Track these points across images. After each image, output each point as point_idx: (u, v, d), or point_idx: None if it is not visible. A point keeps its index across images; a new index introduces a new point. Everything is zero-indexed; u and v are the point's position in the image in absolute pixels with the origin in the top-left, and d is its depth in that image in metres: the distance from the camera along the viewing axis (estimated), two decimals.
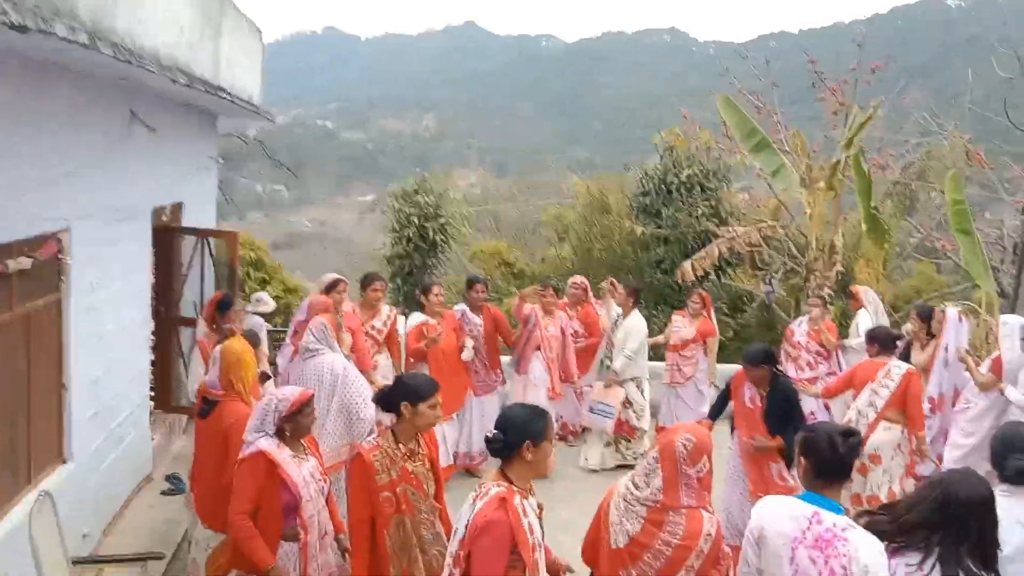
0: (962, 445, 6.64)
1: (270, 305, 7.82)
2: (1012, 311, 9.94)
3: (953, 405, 7.01)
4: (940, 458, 6.90)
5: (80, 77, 5.06)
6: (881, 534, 2.86)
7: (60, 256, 5.10)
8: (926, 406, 6.99)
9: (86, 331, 5.44)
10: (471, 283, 7.50)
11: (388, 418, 3.98)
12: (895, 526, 2.91)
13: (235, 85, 7.89)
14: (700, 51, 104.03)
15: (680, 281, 11.57)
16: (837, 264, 11.17)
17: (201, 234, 7.88)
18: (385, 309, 6.93)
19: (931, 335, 7.32)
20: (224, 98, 7.16)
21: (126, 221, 6.12)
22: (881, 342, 6.33)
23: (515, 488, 3.03)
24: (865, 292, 8.51)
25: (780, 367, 5.76)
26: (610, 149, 59.50)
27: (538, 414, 3.16)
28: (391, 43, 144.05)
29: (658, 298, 12.89)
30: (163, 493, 6.66)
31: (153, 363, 7.23)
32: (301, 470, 3.79)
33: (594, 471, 7.61)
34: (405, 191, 12.69)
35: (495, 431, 3.09)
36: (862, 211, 10.69)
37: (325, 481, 3.99)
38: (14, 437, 4.70)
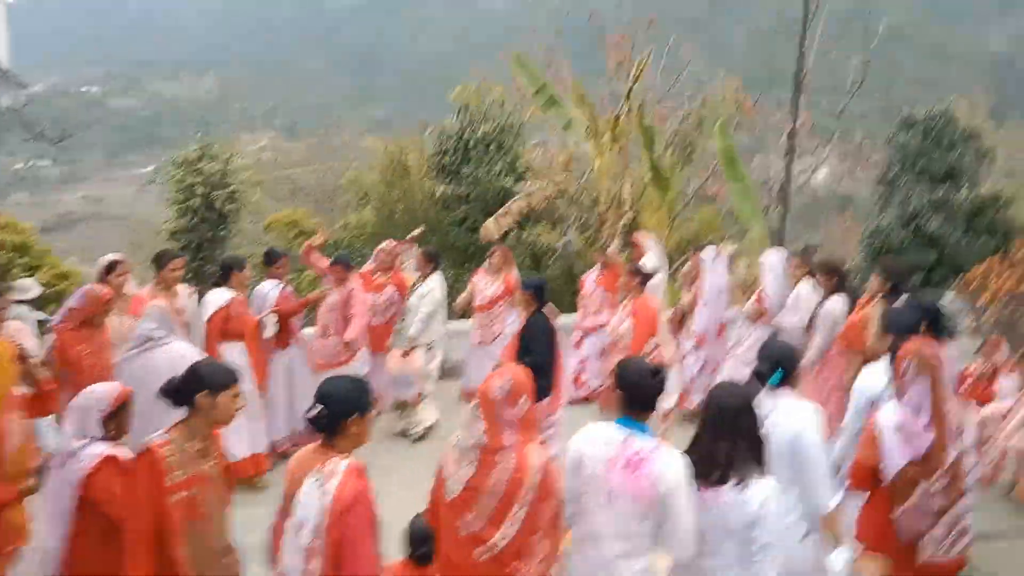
0: (744, 374, 6.97)
1: (33, 291, 7.06)
2: (780, 244, 10.90)
3: (719, 338, 7.61)
4: (692, 382, 7.61)
5: None
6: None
7: None
8: (692, 342, 7.67)
9: None
10: (267, 259, 7.08)
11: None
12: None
13: None
14: (489, 6, 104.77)
15: (483, 239, 11.69)
16: (626, 215, 11.72)
17: None
18: (182, 289, 6.42)
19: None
20: None
21: None
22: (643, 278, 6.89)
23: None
24: (645, 238, 8.77)
25: (545, 303, 6.07)
26: (406, 107, 58.91)
27: (361, 385, 3.10)
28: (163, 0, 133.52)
29: (465, 257, 12.96)
30: None
31: None
32: None
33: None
34: (187, 159, 11.78)
35: (319, 405, 2.97)
36: (646, 162, 11.25)
37: None
38: None
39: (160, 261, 6.28)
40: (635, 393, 3.21)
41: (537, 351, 5.90)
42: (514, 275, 8.24)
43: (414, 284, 7.65)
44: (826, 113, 21.61)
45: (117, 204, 44.78)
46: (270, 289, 6.83)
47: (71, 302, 5.43)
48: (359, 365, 7.21)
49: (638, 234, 9.01)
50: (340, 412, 2.98)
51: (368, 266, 7.85)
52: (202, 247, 11.72)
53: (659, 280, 8.28)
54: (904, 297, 5.44)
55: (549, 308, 6.10)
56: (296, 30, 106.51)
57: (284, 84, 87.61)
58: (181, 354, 4.77)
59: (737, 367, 7.18)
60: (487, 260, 8.30)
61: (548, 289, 6.23)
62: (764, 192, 17.71)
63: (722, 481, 3.11)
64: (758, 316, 7.01)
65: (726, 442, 3.16)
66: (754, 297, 7.17)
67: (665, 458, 3.08)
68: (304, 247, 7.43)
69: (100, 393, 3.57)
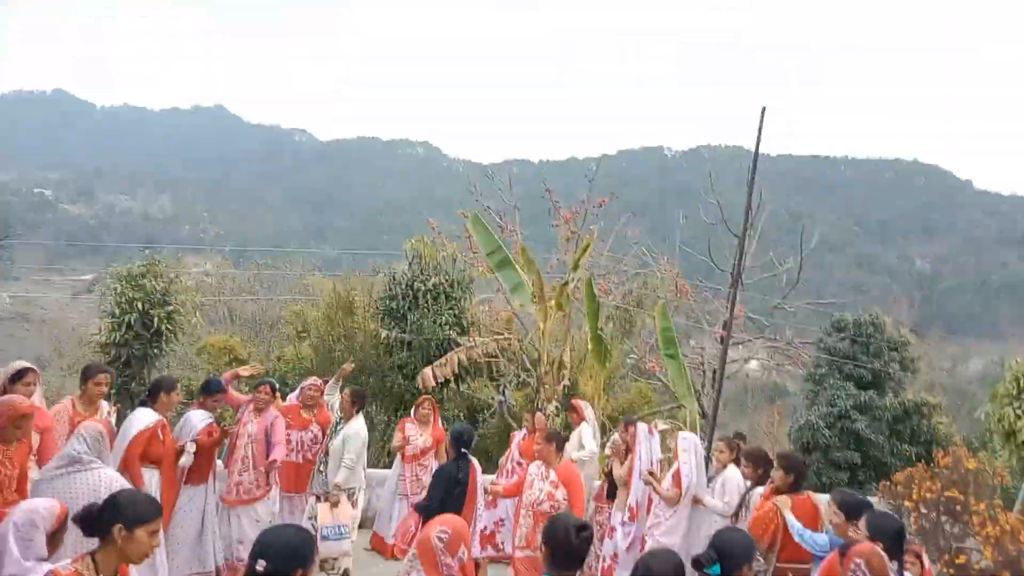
0: None
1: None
2: (712, 429, 11.08)
3: (647, 514, 7.49)
4: (616, 558, 7.39)
5: None
6: None
7: None
8: (626, 514, 7.52)
9: None
10: (207, 388, 6.80)
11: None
12: None
13: None
14: (450, 167, 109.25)
15: (421, 387, 11.65)
16: (565, 379, 11.87)
17: None
18: (105, 405, 6.14)
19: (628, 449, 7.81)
20: None
21: None
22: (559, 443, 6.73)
23: None
24: (585, 406, 8.88)
25: (464, 452, 6.26)
26: (357, 249, 59.64)
27: (305, 536, 2.97)
28: (129, 114, 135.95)
29: (398, 403, 12.85)
30: None
31: None
32: None
33: None
34: (131, 273, 11.65)
35: (260, 560, 2.82)
36: (589, 331, 11.54)
37: None
38: None
39: (87, 373, 6.04)
40: (561, 551, 3.24)
41: (432, 495, 6.06)
42: (440, 426, 8.24)
43: (336, 423, 7.53)
44: (759, 307, 22.62)
45: (48, 308, 43.47)
46: (200, 420, 6.53)
47: None
48: (270, 503, 6.94)
49: (578, 400, 9.12)
50: (284, 567, 2.84)
51: (292, 400, 7.71)
52: (130, 363, 11.38)
53: (593, 450, 8.35)
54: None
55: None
56: (260, 163, 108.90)
57: (238, 212, 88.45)
58: (107, 483, 4.45)
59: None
60: (414, 410, 8.27)
61: (470, 439, 6.33)
62: (697, 374, 18.21)
63: None
64: (676, 499, 6.92)
65: None
66: (669, 477, 7.13)
67: None
68: (229, 373, 7.28)
69: (44, 511, 3.35)
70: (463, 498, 6.18)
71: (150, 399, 6.24)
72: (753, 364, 26.36)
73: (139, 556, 3.17)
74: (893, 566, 4.00)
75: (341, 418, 7.57)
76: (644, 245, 20.29)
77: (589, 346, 11.94)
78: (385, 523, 7.96)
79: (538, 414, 8.66)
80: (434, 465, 7.93)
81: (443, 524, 3.27)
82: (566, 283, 11.44)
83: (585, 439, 8.41)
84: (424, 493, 7.71)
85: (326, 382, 8.01)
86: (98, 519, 3.13)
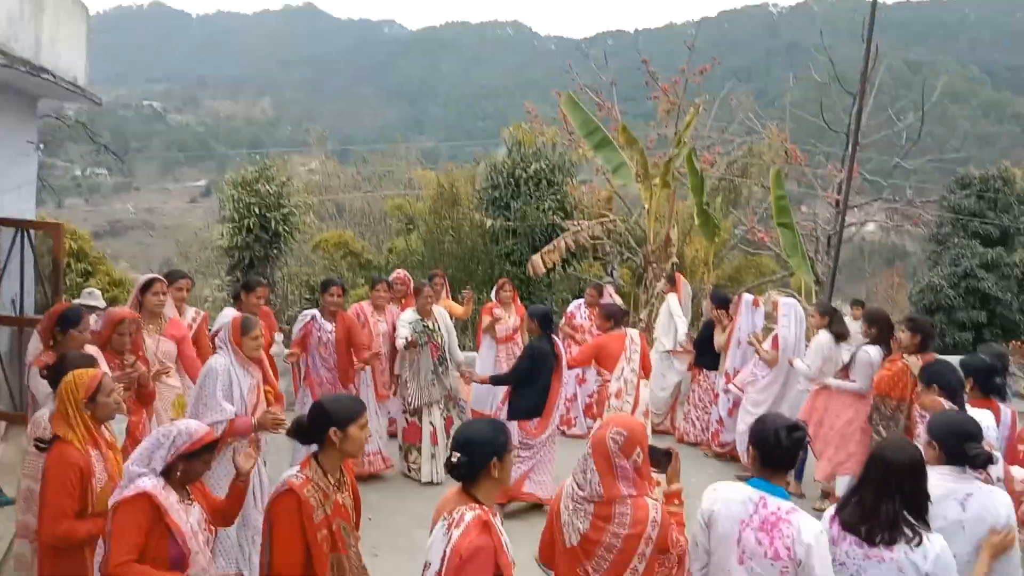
0: (752, 412, 7.42)
1: (101, 301, 7.27)
2: (829, 297, 10.89)
3: None
4: (722, 423, 8.07)
5: None
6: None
7: None
8: (721, 380, 8.08)
9: None
10: (326, 285, 6.87)
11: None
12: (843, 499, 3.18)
13: (59, 65, 7.28)
14: (542, 45, 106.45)
15: (531, 273, 11.84)
16: (672, 256, 11.79)
17: (21, 225, 7.24)
18: (190, 311, 6.24)
19: (731, 318, 8.16)
20: (48, 80, 6.60)
21: None
22: (617, 317, 6.94)
23: (487, 508, 2.93)
24: (683, 283, 9.11)
25: (553, 333, 6.49)
26: (454, 138, 59.72)
27: (499, 428, 3.04)
28: (224, 21, 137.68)
29: None
30: None
31: None
32: (188, 518, 3.29)
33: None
34: (244, 178, 12.12)
35: (456, 453, 2.92)
36: (695, 207, 11.34)
37: (212, 532, 3.51)
38: None
39: (248, 287, 6.35)
40: (771, 452, 3.08)
41: (515, 369, 6.40)
42: (520, 305, 8.48)
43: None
44: (877, 167, 21.54)
45: (168, 215, 45.88)
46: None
47: (96, 325, 5.23)
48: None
49: (680, 275, 9.22)
50: (480, 459, 2.91)
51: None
52: (253, 264, 12.01)
53: (683, 325, 8.72)
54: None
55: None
56: (353, 58, 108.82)
57: (336, 110, 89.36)
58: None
59: (747, 406, 7.61)
60: (496, 292, 8.44)
61: (551, 316, 6.53)
62: (810, 241, 17.68)
63: (890, 542, 3.00)
64: (775, 360, 7.41)
65: (891, 502, 3.03)
66: (770, 340, 7.58)
67: (801, 520, 2.95)
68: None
69: (187, 428, 3.34)
70: (551, 374, 6.42)
71: (235, 300, 6.55)
72: (870, 227, 25.35)
73: (357, 450, 3.37)
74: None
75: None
76: (750, 111, 19.46)
77: (695, 221, 11.77)
78: (484, 401, 8.10)
79: (590, 289, 8.84)
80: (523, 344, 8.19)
81: (619, 425, 3.21)
82: (670, 160, 11.18)
83: (673, 309, 8.75)
84: None
85: (439, 276, 8.31)
86: (311, 428, 3.29)
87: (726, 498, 3.13)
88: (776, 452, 3.07)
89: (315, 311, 6.75)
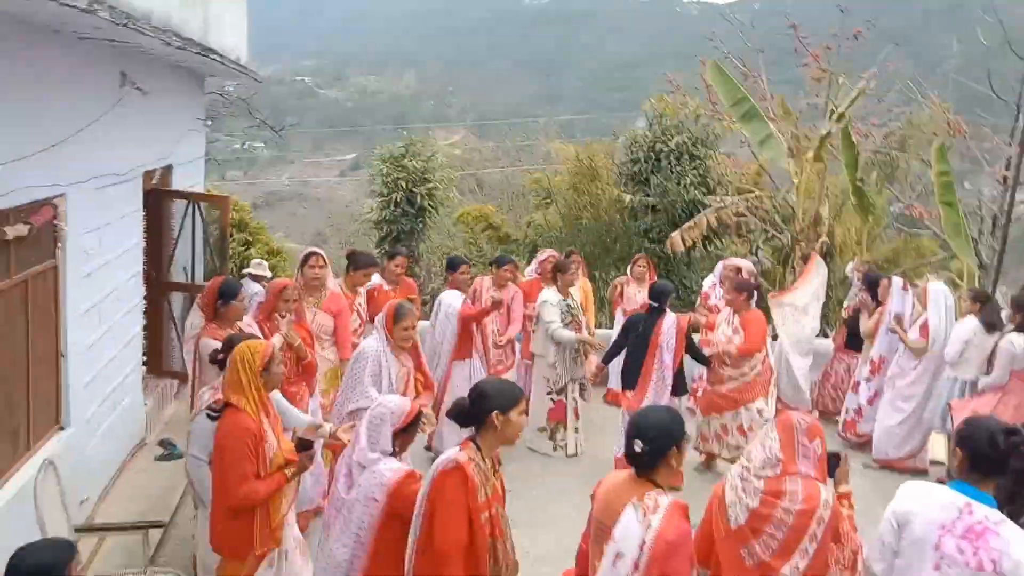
0: (902, 409, 7.23)
1: (267, 271, 7.73)
2: (994, 283, 10.14)
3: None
4: (860, 412, 7.74)
5: (72, 40, 4.95)
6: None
7: (56, 222, 5.05)
8: (866, 368, 7.74)
9: (82, 298, 5.40)
10: (454, 264, 7.11)
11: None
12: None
13: (223, 45, 7.74)
14: (684, 12, 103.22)
15: (670, 251, 11.64)
16: (823, 235, 11.29)
17: (193, 198, 7.79)
18: (363, 288, 6.64)
19: (878, 302, 7.76)
20: (216, 60, 7.03)
21: (118, 185, 6.04)
22: (750, 291, 6.93)
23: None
24: (818, 263, 8.72)
25: (668, 307, 6.64)
26: (592, 110, 59.16)
27: (674, 416, 3.06)
28: None
29: None
30: (157, 459, 6.67)
31: (144, 328, 7.19)
32: None
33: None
34: (392, 155, 12.55)
35: (638, 441, 2.93)
36: (849, 184, 10.77)
37: None
38: (13, 404, 4.69)
39: (355, 263, 6.53)
40: (983, 456, 2.90)
41: (615, 342, 6.74)
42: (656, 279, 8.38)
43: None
44: None
45: (319, 187, 48.02)
46: (455, 299, 6.77)
47: (260, 296, 5.66)
48: (513, 371, 7.45)
49: (814, 254, 8.93)
50: (661, 446, 2.91)
51: (531, 274, 8.01)
52: (400, 238, 12.44)
53: (815, 307, 8.37)
54: None
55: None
56: (487, 31, 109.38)
57: (475, 84, 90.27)
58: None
59: (895, 401, 7.30)
60: (630, 267, 8.52)
61: (661, 293, 6.64)
62: (973, 221, 16.42)
63: None
64: (923, 350, 7.11)
65: None
66: (916, 328, 7.23)
67: (1012, 533, 2.77)
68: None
69: (395, 407, 3.57)
70: (643, 349, 6.48)
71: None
72: None
73: (515, 436, 3.38)
74: None
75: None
76: (908, 79, 18.20)
77: (852, 200, 11.19)
78: (615, 378, 8.01)
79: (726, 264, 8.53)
80: None
81: (801, 416, 3.23)
82: (827, 133, 10.62)
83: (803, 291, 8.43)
84: None
85: (576, 254, 8.32)
86: (472, 411, 3.32)
87: (925, 500, 2.94)
88: (989, 456, 2.89)
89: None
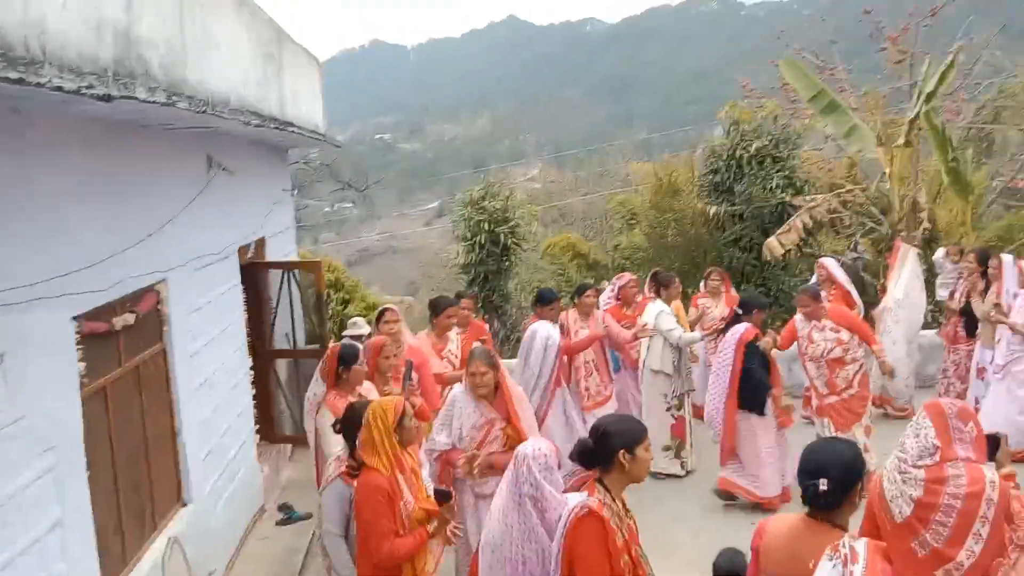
0: (1020, 395, 6.96)
1: (365, 328, 7.88)
2: None
3: None
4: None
5: (158, 131, 5.22)
6: None
7: (160, 307, 5.28)
8: (988, 352, 7.38)
9: (191, 375, 5.62)
10: (546, 298, 6.93)
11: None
12: None
13: (300, 116, 8.04)
14: (749, 14, 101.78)
15: (768, 258, 11.34)
16: (923, 221, 10.77)
17: (286, 267, 8.06)
18: (453, 334, 6.56)
19: (987, 282, 7.52)
20: (294, 132, 7.30)
21: (216, 264, 6.30)
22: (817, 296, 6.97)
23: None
24: (904, 251, 8.49)
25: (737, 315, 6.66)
26: (667, 126, 58.69)
27: (855, 450, 2.90)
28: (437, 48, 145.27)
29: (740, 278, 12.61)
30: (277, 523, 6.83)
31: (254, 397, 7.43)
32: None
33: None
34: (472, 198, 12.73)
35: (823, 479, 2.74)
36: (941, 165, 10.28)
37: None
38: (137, 485, 4.89)
39: (436, 308, 6.48)
40: None
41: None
42: (732, 294, 8.31)
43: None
44: None
45: (408, 238, 49.15)
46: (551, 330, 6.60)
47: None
48: (612, 402, 7.28)
49: (898, 240, 8.74)
50: (847, 483, 2.74)
51: (608, 299, 7.81)
52: (488, 278, 12.55)
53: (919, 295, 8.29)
54: None
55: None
56: (556, 62, 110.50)
57: (548, 116, 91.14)
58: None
59: (1013, 389, 6.99)
60: (704, 282, 8.44)
61: (746, 304, 6.67)
62: None
63: None
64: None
65: None
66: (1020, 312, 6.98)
67: None
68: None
69: (545, 448, 3.51)
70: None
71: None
72: None
73: (644, 474, 3.27)
74: None
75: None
76: (997, 48, 17.29)
77: (944, 180, 10.66)
78: (700, 394, 7.91)
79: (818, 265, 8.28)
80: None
81: (949, 401, 3.12)
82: (916, 116, 10.17)
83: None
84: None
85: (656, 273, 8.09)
86: (597, 451, 3.23)
87: None
88: None
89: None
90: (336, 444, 4.50)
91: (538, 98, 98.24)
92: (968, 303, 7.77)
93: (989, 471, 2.91)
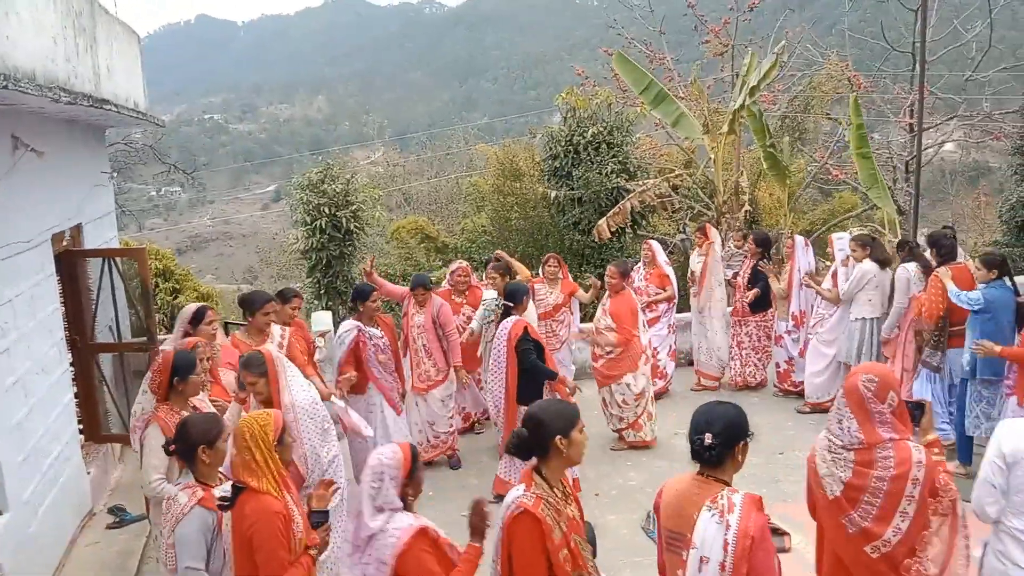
0: (826, 354, 7.94)
1: (329, 325, 7.39)
2: (913, 228, 10.48)
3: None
4: (791, 363, 8.53)
5: None
6: None
7: None
8: (790, 323, 8.46)
9: (2, 374, 5.16)
10: (365, 294, 6.69)
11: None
12: None
13: (118, 94, 7.52)
14: (585, 3, 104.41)
15: (598, 240, 11.74)
16: (745, 204, 11.51)
17: (107, 254, 7.54)
18: (276, 330, 6.02)
19: (769, 261, 8.63)
20: (111, 110, 6.81)
21: (26, 253, 5.80)
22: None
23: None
24: (712, 231, 9.21)
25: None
26: (507, 112, 59.44)
27: (740, 411, 2.98)
28: (269, 24, 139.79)
29: (580, 259, 13.02)
30: (108, 527, 6.42)
31: (76, 394, 6.92)
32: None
33: None
34: (311, 181, 12.33)
35: (709, 435, 2.85)
36: (761, 152, 11.02)
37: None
38: None
39: (250, 305, 5.92)
40: None
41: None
42: (570, 280, 8.46)
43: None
44: (948, 84, 20.46)
45: (243, 223, 47.15)
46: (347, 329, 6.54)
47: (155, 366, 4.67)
48: (448, 384, 7.34)
49: (708, 225, 9.36)
50: (730, 439, 2.86)
51: (444, 287, 7.97)
52: (331, 264, 12.22)
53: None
54: None
55: None
56: (399, 45, 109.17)
57: (389, 99, 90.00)
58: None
59: (818, 348, 8.01)
60: (541, 268, 8.46)
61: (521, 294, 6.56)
62: (886, 171, 16.94)
63: None
64: (837, 297, 7.80)
65: None
66: (828, 279, 7.98)
67: None
68: (364, 272, 7.35)
69: (389, 456, 3.25)
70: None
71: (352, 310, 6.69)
72: (949, 147, 24.13)
73: (581, 455, 3.19)
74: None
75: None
76: (807, 41, 18.69)
77: (763, 165, 11.45)
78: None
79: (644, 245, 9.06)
80: (569, 319, 8.33)
81: (868, 372, 3.22)
82: (740, 106, 10.84)
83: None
84: (561, 347, 8.19)
85: (497, 260, 8.15)
86: (532, 441, 3.13)
87: None
88: None
89: (358, 323, 6.58)
90: (160, 466, 4.19)
91: (378, 81, 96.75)
92: (752, 280, 8.66)
93: (916, 451, 3.17)
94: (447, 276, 8.09)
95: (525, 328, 6.20)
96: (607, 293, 7.58)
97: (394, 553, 3.07)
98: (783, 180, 11.33)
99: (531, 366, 6.11)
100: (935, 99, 18.60)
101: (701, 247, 8.99)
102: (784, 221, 13.26)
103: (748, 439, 2.93)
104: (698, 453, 2.89)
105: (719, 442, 2.84)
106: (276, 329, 6.01)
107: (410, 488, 3.23)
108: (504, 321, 6.31)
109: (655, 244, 8.98)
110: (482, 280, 8.26)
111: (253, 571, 3.25)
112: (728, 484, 2.87)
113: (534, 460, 3.16)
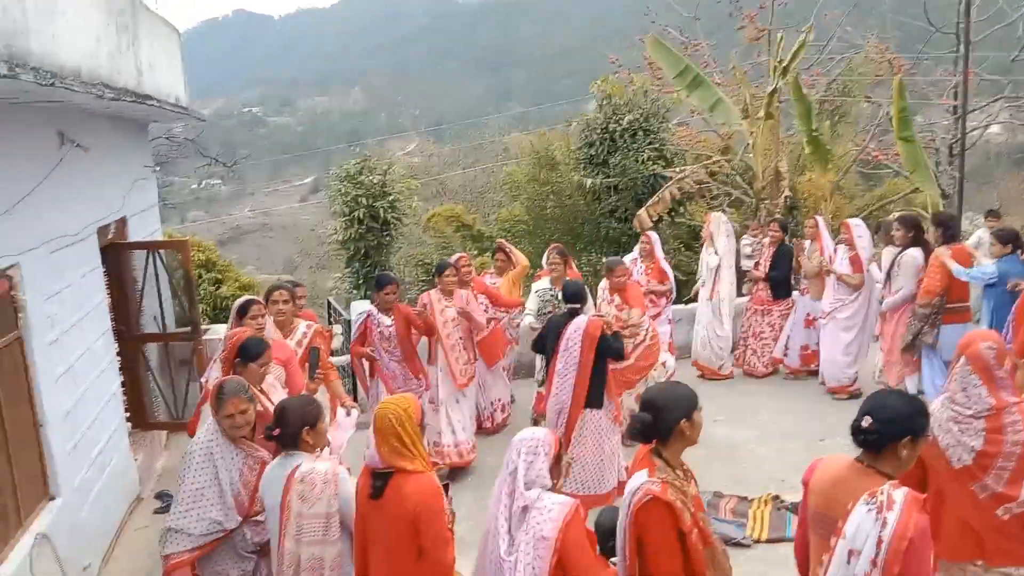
0: (844, 339, 7.90)
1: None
2: (958, 211, 10.28)
3: None
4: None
5: (4, 107, 4.86)
6: None
7: (13, 293, 4.95)
8: (821, 305, 8.22)
9: (52, 364, 5.31)
10: (382, 283, 6.66)
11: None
12: None
13: (160, 89, 7.65)
14: None
15: (638, 228, 11.68)
16: (785, 190, 11.36)
17: (151, 246, 7.69)
18: (302, 325, 5.90)
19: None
20: (153, 106, 6.94)
21: (73, 246, 5.94)
22: None
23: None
24: (716, 220, 9.05)
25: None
26: (542, 101, 59.21)
27: (919, 406, 2.84)
28: (305, 18, 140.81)
29: (617, 247, 12.97)
30: (156, 512, 6.59)
31: (123, 383, 7.09)
32: None
33: None
34: (349, 172, 12.46)
35: (872, 421, 2.73)
36: (804, 135, 10.86)
37: None
38: None
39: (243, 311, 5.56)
40: None
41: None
42: (575, 270, 8.12)
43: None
44: (993, 65, 19.95)
45: (283, 214, 47.68)
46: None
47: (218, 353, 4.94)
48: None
49: (711, 214, 9.24)
50: (894, 432, 2.72)
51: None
52: (369, 254, 12.35)
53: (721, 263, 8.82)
54: None
55: None
56: (429, 36, 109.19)
57: (424, 90, 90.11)
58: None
59: (835, 332, 7.94)
60: (544, 259, 7.94)
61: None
62: (929, 154, 16.57)
63: None
64: (860, 282, 7.79)
65: None
66: (848, 264, 7.87)
67: None
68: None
69: (545, 436, 3.29)
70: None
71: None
72: (994, 129, 23.56)
73: (698, 436, 3.15)
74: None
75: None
76: (848, 24, 18.35)
77: (805, 150, 11.29)
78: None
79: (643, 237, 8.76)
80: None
81: (986, 339, 3.34)
82: (774, 90, 10.69)
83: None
84: None
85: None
86: (656, 425, 3.10)
87: None
88: None
89: (371, 307, 6.72)
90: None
91: (413, 72, 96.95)
92: (773, 269, 8.58)
93: None
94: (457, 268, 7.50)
95: (602, 327, 5.74)
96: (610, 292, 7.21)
97: (558, 527, 3.04)
98: (824, 164, 11.15)
99: (616, 353, 5.76)
100: (980, 80, 18.15)
101: (814, 240, 8.58)
102: (825, 207, 13.06)
103: (922, 439, 2.77)
104: (854, 433, 2.80)
105: (878, 428, 2.71)
106: (301, 325, 5.88)
107: (555, 470, 3.25)
108: (576, 320, 5.77)
109: (654, 236, 8.62)
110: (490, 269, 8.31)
111: (414, 551, 3.29)
112: (891, 478, 2.73)
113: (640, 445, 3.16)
